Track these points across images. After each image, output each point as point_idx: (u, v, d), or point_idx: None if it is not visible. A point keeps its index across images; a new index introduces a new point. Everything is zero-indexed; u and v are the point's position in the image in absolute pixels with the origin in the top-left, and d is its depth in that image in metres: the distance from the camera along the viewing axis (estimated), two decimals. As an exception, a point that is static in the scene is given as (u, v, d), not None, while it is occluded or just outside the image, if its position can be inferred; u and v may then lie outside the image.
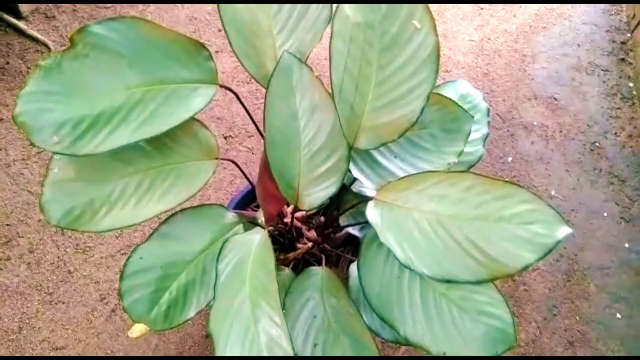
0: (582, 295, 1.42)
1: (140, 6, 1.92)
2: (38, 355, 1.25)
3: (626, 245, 1.50)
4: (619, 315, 1.39)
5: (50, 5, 1.90)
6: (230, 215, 0.93)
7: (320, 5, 0.81)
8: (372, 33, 0.77)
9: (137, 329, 1.27)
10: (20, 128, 0.76)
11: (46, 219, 0.81)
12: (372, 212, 0.81)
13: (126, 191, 0.84)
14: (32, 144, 0.76)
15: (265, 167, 0.86)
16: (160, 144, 0.85)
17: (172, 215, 0.89)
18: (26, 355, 1.25)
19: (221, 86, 0.85)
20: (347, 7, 0.77)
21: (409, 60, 0.77)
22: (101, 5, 1.92)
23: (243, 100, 0.91)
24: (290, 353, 0.70)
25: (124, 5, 1.92)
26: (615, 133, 1.73)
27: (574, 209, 1.57)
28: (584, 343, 1.35)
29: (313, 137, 0.83)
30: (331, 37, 0.78)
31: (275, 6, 0.83)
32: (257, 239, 0.81)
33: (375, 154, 0.90)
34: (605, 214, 1.56)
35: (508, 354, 1.30)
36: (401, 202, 0.80)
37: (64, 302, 1.32)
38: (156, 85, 0.80)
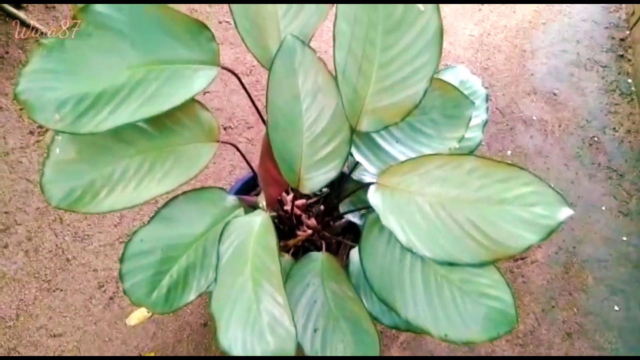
0: (580, 287, 1.42)
1: (140, -3, 1.91)
2: (35, 341, 1.25)
3: (624, 238, 1.50)
4: (616, 308, 1.39)
5: (49, -5, 1.89)
6: (231, 199, 0.93)
7: (325, -13, 0.81)
8: (376, 15, 0.77)
9: (135, 317, 1.27)
10: (22, 106, 0.75)
11: (46, 200, 0.81)
12: (374, 196, 0.81)
13: (127, 172, 0.84)
14: (34, 122, 0.75)
15: (267, 150, 0.85)
16: (162, 126, 0.85)
17: (173, 198, 0.89)
18: (23, 342, 1.24)
19: (223, 67, 0.84)
20: (351, -11, 0.77)
21: (412, 42, 0.77)
22: None
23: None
24: (293, 333, 0.69)
25: None
26: (614, 128, 1.73)
27: (572, 202, 1.57)
28: (581, 334, 1.35)
29: (315, 120, 0.83)
30: (335, 18, 0.77)
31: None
32: (259, 220, 0.81)
33: (378, 138, 0.90)
34: (603, 208, 1.56)
35: (509, 348, 1.30)
36: (403, 186, 0.80)
37: (62, 290, 1.31)
38: (158, 65, 0.80)
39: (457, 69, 1.03)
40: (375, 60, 0.79)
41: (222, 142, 0.91)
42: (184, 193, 0.89)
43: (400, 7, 0.77)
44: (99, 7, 0.77)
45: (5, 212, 1.42)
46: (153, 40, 0.80)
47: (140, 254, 0.86)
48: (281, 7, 0.84)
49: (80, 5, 0.77)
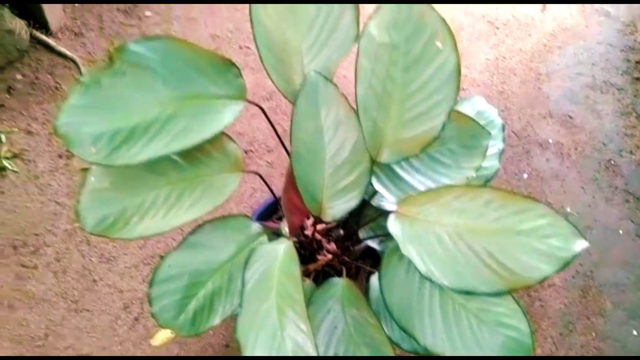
0: (598, 311, 1.43)
1: (165, 24, 1.98)
2: (63, 361, 1.29)
3: (642, 262, 1.51)
4: (635, 332, 1.39)
5: (78, 22, 1.97)
6: (255, 226, 0.96)
7: (348, 25, 0.85)
8: (396, 53, 0.81)
9: (159, 338, 1.30)
10: (61, 139, 0.80)
11: (81, 226, 0.85)
12: (393, 225, 0.84)
13: (157, 201, 0.88)
14: (72, 154, 0.79)
15: (291, 180, 0.89)
16: (191, 157, 0.89)
17: (200, 225, 0.92)
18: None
19: (249, 102, 0.88)
20: (373, 28, 0.81)
21: (431, 78, 0.81)
22: (127, 23, 1.98)
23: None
24: (316, 359, 0.72)
25: (148, 23, 1.98)
26: (631, 151, 1.74)
27: (589, 225, 1.58)
28: (600, 359, 1.35)
29: (337, 152, 0.86)
30: (357, 56, 0.81)
31: (305, 25, 0.86)
32: (283, 249, 0.84)
33: (397, 168, 0.93)
34: (620, 231, 1.57)
35: None
36: (422, 216, 0.83)
37: (88, 310, 1.36)
38: (188, 100, 0.84)
39: (474, 99, 1.06)
40: (395, 96, 0.83)
41: (247, 171, 0.95)
42: (210, 221, 0.92)
43: (419, 45, 0.80)
44: (134, 47, 0.82)
45: (35, 234, 1.47)
46: (183, 77, 0.84)
47: (168, 278, 0.89)
48: (305, 43, 0.88)
49: (116, 46, 0.82)
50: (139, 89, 0.83)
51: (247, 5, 2.05)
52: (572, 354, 1.36)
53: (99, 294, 1.38)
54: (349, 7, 0.85)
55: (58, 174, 1.58)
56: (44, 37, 1.90)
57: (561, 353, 1.36)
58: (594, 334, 1.39)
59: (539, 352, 1.36)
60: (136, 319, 1.35)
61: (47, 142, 1.65)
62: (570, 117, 1.83)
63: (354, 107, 0.85)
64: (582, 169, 1.70)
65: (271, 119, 0.96)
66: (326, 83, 0.84)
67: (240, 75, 0.87)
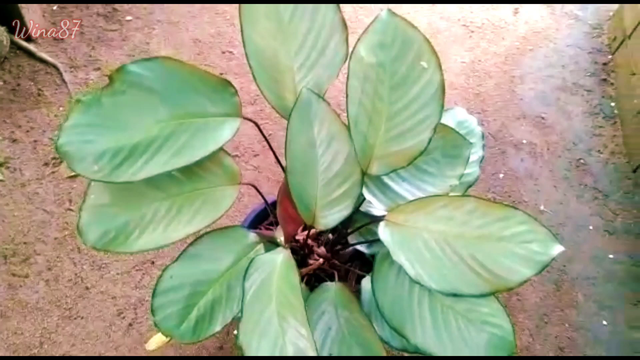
0: (571, 304, 1.52)
1: (146, 29, 1.99)
2: (60, 368, 1.31)
3: (610, 256, 1.60)
4: (604, 322, 1.49)
5: (58, 28, 1.96)
6: (251, 236, 1.00)
7: (337, 45, 0.90)
8: (383, 72, 0.86)
9: (154, 342, 1.34)
10: (63, 157, 0.83)
11: (83, 242, 0.88)
12: (384, 232, 0.90)
13: (157, 215, 0.91)
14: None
15: (285, 191, 0.94)
16: (189, 171, 0.92)
17: (199, 237, 0.96)
18: (48, 368, 1.31)
19: (245, 118, 0.93)
20: (361, 49, 0.86)
21: (417, 96, 0.86)
22: (107, 28, 1.99)
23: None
24: (317, 362, 0.77)
25: (129, 28, 1.99)
26: (599, 150, 1.84)
27: (561, 222, 1.67)
28: (573, 348, 1.44)
29: (329, 165, 0.91)
30: (347, 76, 0.86)
31: (295, 44, 0.90)
32: (281, 258, 0.89)
33: (385, 178, 0.98)
34: (590, 227, 1.66)
35: None
36: (410, 223, 0.89)
37: (82, 317, 1.38)
38: (186, 119, 0.88)
39: (455, 110, 1.12)
40: (384, 113, 0.88)
41: (243, 183, 0.99)
42: (208, 232, 0.96)
43: (405, 65, 0.86)
44: (132, 67, 0.85)
45: (25, 243, 1.48)
46: (181, 96, 0.88)
47: (170, 289, 0.93)
48: (296, 61, 0.92)
49: (115, 67, 0.85)
50: (138, 108, 0.86)
51: (228, 10, 2.08)
52: (547, 344, 1.45)
53: (92, 300, 1.41)
54: (337, 28, 0.90)
55: (45, 182, 1.59)
56: (24, 43, 1.89)
57: (537, 343, 1.44)
58: (567, 324, 1.48)
59: (517, 344, 1.44)
60: (130, 325, 1.38)
61: (32, 150, 1.66)
62: (543, 118, 1.91)
63: (346, 119, 0.90)
64: (554, 168, 1.79)
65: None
66: (318, 100, 0.88)
67: (236, 93, 0.91)
